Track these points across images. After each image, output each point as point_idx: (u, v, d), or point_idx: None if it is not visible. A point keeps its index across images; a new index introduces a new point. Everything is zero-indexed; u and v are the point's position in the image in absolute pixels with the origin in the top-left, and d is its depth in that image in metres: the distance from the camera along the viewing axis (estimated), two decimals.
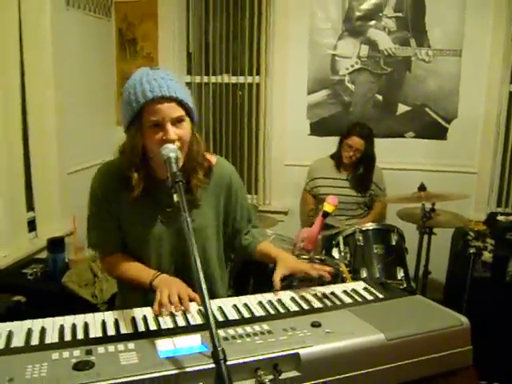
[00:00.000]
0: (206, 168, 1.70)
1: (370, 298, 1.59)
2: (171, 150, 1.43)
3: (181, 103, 1.50)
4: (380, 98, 3.98)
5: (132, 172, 1.58)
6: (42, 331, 1.30)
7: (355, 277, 2.72)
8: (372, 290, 1.65)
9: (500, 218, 3.48)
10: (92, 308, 2.69)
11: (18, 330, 1.31)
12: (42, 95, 3.26)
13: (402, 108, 3.96)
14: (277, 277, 1.66)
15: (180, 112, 1.51)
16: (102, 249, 1.77)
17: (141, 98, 1.47)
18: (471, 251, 3.03)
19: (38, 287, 2.87)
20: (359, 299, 1.58)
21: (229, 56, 4.24)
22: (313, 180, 3.80)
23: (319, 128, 4.11)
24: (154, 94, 1.46)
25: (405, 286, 2.83)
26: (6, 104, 2.91)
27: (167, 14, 4.13)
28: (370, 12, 3.87)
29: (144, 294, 1.62)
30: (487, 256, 3.01)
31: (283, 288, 1.67)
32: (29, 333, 1.29)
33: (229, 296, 1.75)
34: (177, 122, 1.51)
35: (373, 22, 3.87)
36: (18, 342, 1.25)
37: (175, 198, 1.28)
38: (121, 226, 1.70)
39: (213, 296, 1.63)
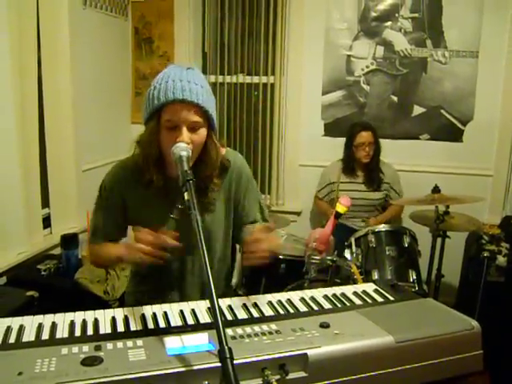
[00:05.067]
0: (222, 170, 1.69)
1: (380, 299, 1.58)
2: (182, 149, 1.43)
3: (201, 109, 1.50)
4: (395, 99, 3.96)
5: (147, 164, 1.59)
6: (53, 326, 1.32)
7: (366, 278, 2.70)
8: (382, 291, 1.64)
9: None
10: (104, 304, 2.72)
11: (29, 324, 1.33)
12: (58, 94, 3.30)
13: (417, 110, 3.93)
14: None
15: (198, 118, 1.50)
16: (92, 237, 1.76)
17: (162, 96, 1.47)
18: (485, 255, 2.99)
19: (51, 283, 2.91)
20: (369, 301, 1.56)
21: (244, 56, 4.24)
22: (327, 185, 3.77)
23: (333, 129, 4.09)
24: (176, 95, 1.46)
25: (417, 288, 2.80)
26: (24, 102, 2.94)
27: (183, 14, 4.15)
28: (386, 12, 3.85)
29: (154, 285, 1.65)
30: (501, 260, 2.98)
31: (294, 288, 1.66)
32: (39, 328, 1.31)
33: (240, 295, 1.74)
34: (193, 127, 1.51)
35: (389, 23, 3.85)
36: (28, 336, 1.27)
37: (186, 196, 1.28)
38: (130, 221, 1.71)
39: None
